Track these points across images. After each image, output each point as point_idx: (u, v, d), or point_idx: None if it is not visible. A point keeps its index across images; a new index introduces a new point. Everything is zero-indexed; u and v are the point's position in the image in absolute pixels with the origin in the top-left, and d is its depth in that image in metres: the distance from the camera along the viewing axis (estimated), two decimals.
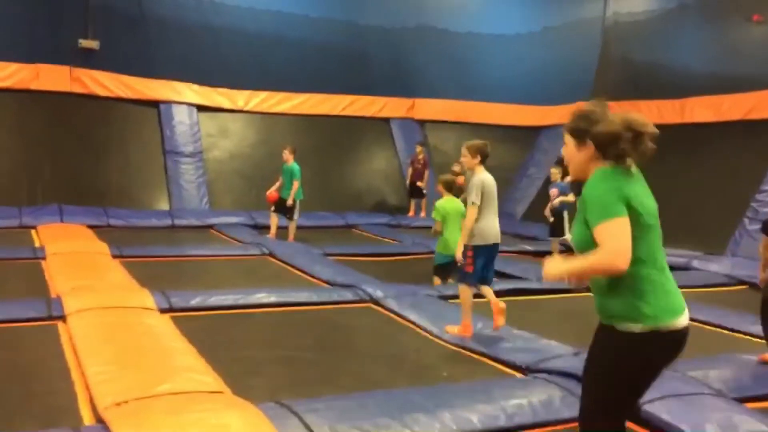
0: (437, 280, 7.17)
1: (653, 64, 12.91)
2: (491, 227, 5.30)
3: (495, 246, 5.37)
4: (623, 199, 2.38)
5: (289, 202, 9.77)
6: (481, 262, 5.31)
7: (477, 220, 5.25)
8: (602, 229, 2.35)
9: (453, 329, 5.41)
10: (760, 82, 10.76)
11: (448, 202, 6.81)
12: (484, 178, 5.34)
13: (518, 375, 4.53)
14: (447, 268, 6.94)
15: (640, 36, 13.36)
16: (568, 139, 2.56)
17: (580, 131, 2.51)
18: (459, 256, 5.38)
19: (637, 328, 2.39)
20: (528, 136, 14.31)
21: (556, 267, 2.47)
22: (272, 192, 9.97)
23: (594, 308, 2.57)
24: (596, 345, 2.55)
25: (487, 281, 5.42)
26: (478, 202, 5.24)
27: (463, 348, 5.11)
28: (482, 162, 5.42)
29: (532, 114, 14.25)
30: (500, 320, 5.26)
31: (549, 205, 9.84)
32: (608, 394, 2.49)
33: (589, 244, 2.42)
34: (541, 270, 2.57)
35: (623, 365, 2.44)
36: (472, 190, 5.30)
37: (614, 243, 2.32)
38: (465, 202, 6.01)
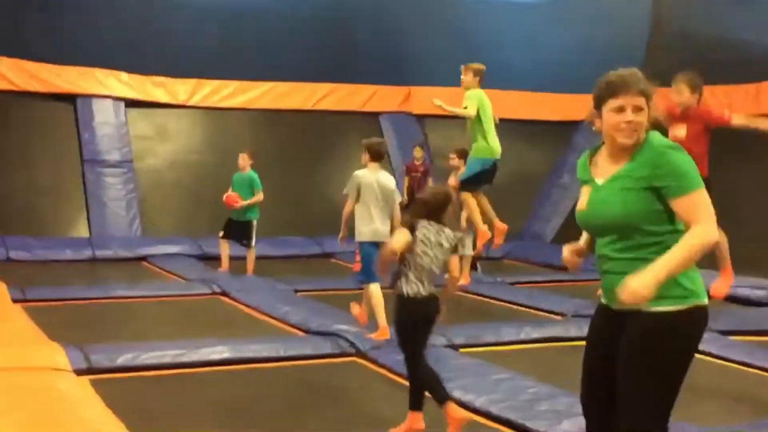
0: (468, 197, 8.48)
1: (721, 40, 12.99)
2: (369, 225, 6.61)
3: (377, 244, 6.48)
4: None
5: (242, 204, 9.69)
6: (368, 258, 6.64)
7: (357, 217, 6.67)
8: (697, 197, 2.66)
9: (355, 309, 6.93)
10: None
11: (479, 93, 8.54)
12: (362, 173, 6.67)
13: None
14: (486, 175, 8.45)
15: (704, 4, 13.46)
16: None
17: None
18: (339, 241, 7.15)
19: (683, 306, 2.67)
20: (559, 133, 14.36)
21: (646, 281, 2.54)
22: (231, 194, 9.85)
23: None
24: (636, 336, 2.67)
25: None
26: (348, 193, 6.69)
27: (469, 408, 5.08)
28: (372, 160, 6.73)
29: (564, 105, 14.27)
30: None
31: None
32: (667, 388, 2.67)
33: (644, 216, 2.68)
34: (621, 294, 2.61)
35: (676, 350, 2.67)
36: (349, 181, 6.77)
37: (711, 212, 2.65)
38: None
